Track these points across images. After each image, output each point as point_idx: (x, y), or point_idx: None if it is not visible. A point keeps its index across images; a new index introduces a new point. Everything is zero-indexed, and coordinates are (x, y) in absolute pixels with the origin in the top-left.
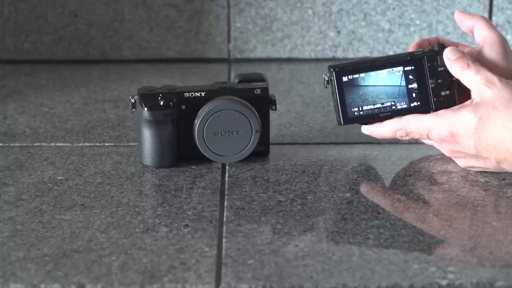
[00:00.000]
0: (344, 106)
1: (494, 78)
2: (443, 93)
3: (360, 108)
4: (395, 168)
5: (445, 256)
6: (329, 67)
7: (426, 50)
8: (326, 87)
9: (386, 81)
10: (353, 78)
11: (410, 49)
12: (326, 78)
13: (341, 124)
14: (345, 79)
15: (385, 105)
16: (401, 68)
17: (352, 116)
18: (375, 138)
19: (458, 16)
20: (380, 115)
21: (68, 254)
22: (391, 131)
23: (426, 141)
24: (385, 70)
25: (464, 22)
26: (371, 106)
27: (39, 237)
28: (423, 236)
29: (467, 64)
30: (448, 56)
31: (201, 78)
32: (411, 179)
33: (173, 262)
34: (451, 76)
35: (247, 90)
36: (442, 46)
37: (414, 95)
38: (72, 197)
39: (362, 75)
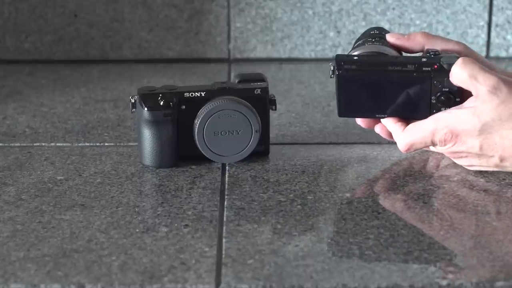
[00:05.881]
0: (342, 100)
1: (500, 84)
2: (443, 109)
3: (358, 106)
4: (395, 168)
5: (445, 256)
6: (336, 60)
7: (436, 67)
8: (331, 77)
9: (388, 87)
10: (356, 77)
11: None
12: (332, 68)
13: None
14: (347, 76)
15: (382, 108)
16: (405, 79)
17: (348, 112)
18: (375, 138)
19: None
20: (377, 115)
21: (68, 254)
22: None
23: (432, 148)
24: (389, 77)
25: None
26: (369, 107)
27: (39, 237)
28: (423, 236)
29: (472, 75)
30: (459, 66)
31: (201, 78)
32: (411, 179)
33: (173, 262)
34: (455, 97)
35: (247, 90)
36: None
37: (413, 104)
38: (72, 197)
39: (365, 76)
